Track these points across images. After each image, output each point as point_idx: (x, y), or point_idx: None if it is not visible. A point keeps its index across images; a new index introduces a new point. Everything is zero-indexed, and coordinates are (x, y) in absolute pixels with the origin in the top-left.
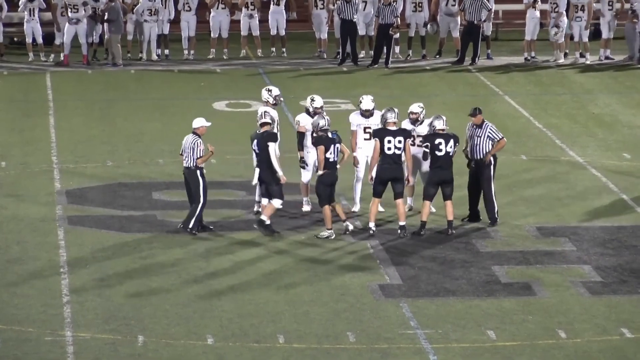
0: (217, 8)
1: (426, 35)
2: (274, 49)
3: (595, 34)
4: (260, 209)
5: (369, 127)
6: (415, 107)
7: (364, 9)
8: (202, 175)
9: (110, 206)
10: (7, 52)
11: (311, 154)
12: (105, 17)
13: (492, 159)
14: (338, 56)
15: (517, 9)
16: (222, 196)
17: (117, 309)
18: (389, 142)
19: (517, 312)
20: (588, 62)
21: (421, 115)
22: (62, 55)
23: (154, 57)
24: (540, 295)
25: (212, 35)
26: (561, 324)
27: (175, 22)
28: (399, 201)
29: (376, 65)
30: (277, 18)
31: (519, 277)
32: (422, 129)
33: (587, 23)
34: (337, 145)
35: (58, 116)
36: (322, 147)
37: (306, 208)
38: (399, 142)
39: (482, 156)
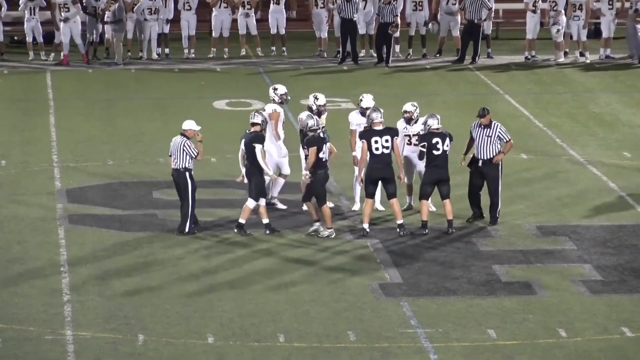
0: (220, 7)
1: (426, 34)
2: (274, 48)
3: (596, 33)
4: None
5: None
6: (409, 106)
7: (364, 8)
8: (190, 177)
9: (111, 205)
10: (7, 51)
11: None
12: (109, 18)
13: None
14: (338, 55)
15: (517, 8)
16: (223, 195)
17: (118, 308)
18: (376, 142)
19: (518, 311)
20: (588, 61)
21: (415, 114)
22: (62, 54)
23: (155, 56)
24: (541, 294)
25: (213, 34)
26: (562, 323)
27: (175, 21)
28: (393, 201)
29: (382, 64)
30: (277, 17)
31: (520, 276)
32: (417, 128)
33: (585, 22)
34: (328, 145)
35: (58, 115)
36: (315, 148)
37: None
38: (386, 141)
39: (491, 156)
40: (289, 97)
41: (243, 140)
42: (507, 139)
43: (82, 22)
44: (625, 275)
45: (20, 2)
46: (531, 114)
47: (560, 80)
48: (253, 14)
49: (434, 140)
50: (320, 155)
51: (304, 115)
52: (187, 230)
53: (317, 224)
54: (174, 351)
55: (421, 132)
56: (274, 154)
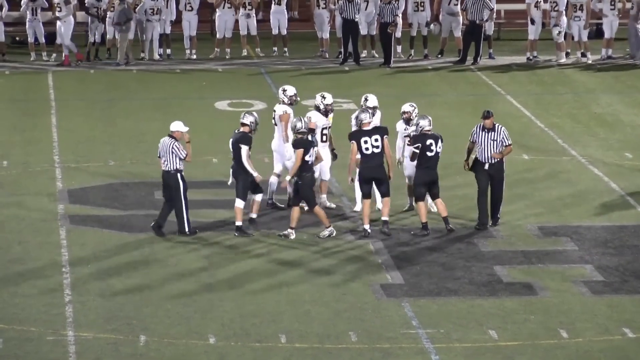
0: (224, 8)
1: (428, 35)
2: (275, 49)
3: (598, 34)
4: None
5: None
6: (407, 106)
7: (366, 9)
8: (182, 178)
9: (112, 206)
10: (9, 51)
11: (323, 150)
12: (117, 19)
13: (503, 159)
14: (340, 56)
15: (519, 9)
16: (224, 196)
17: (119, 309)
18: (366, 142)
19: (519, 311)
20: (589, 62)
21: (413, 114)
22: (63, 55)
23: (156, 56)
24: (542, 294)
25: (217, 35)
26: (563, 324)
27: (176, 22)
28: (385, 199)
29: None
30: (279, 18)
31: (521, 277)
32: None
33: (586, 22)
34: (316, 148)
35: (60, 116)
36: (301, 150)
37: (330, 204)
38: (376, 140)
39: (496, 160)
40: (298, 98)
41: (231, 140)
42: (508, 143)
43: (83, 23)
44: (627, 276)
45: (22, 2)
46: (532, 115)
47: (561, 81)
48: (254, 15)
49: (428, 142)
50: (307, 158)
51: (309, 115)
52: (187, 230)
53: (290, 231)
54: (175, 352)
55: (413, 133)
56: (284, 155)
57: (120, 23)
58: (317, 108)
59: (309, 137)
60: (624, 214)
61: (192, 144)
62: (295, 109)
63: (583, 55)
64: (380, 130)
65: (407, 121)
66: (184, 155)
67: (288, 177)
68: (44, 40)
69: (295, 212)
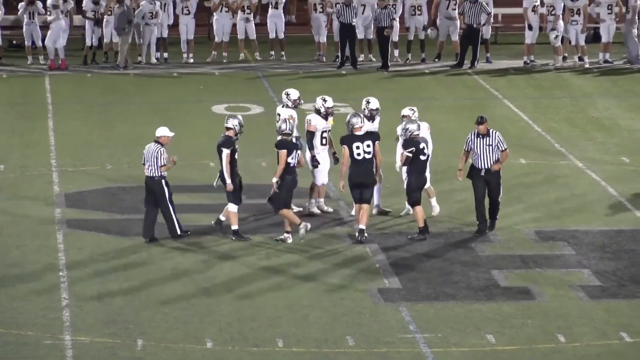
0: (221, 11)
1: (425, 39)
2: (273, 53)
3: (595, 38)
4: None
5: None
6: (406, 110)
7: (363, 13)
8: (166, 184)
9: (110, 210)
10: (5, 55)
11: (321, 155)
12: (119, 22)
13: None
14: (337, 59)
15: (516, 13)
16: (221, 200)
17: (116, 313)
18: (358, 147)
19: (517, 316)
20: (587, 66)
21: (413, 118)
22: (59, 59)
23: (153, 60)
24: (540, 299)
25: (216, 39)
26: (560, 328)
27: (174, 26)
28: (365, 206)
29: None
30: (276, 21)
31: (518, 281)
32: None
33: (583, 26)
34: (299, 151)
35: (57, 119)
36: (284, 151)
37: (317, 210)
38: (368, 146)
39: (492, 165)
40: (302, 101)
41: (217, 144)
42: (504, 148)
43: (80, 26)
44: (624, 281)
45: (19, 6)
46: (530, 119)
47: (559, 85)
48: (252, 19)
49: (421, 146)
50: (289, 160)
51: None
52: (179, 232)
53: (303, 228)
54: (172, 356)
55: (401, 138)
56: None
57: (123, 28)
58: (318, 111)
59: (294, 139)
60: (622, 218)
61: (189, 147)
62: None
63: (580, 59)
64: (373, 136)
65: None
66: (162, 164)
67: (274, 179)
68: (41, 44)
69: (289, 214)
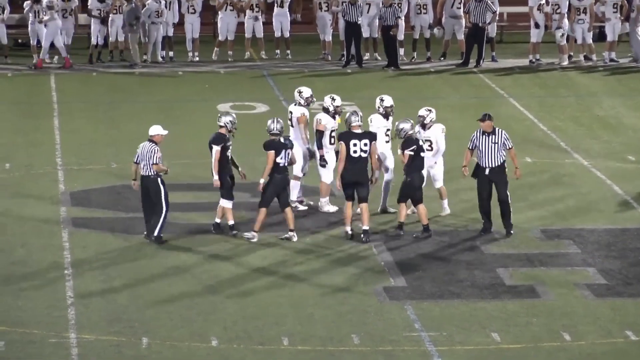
0: (226, 10)
1: (431, 38)
2: (278, 51)
3: (600, 37)
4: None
5: (389, 130)
6: (423, 111)
7: (368, 11)
8: (162, 182)
9: (115, 208)
10: (11, 53)
11: (330, 154)
12: (127, 19)
13: (505, 164)
14: (342, 58)
15: (521, 11)
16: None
17: (121, 311)
18: (355, 145)
19: (522, 314)
20: (592, 64)
21: (427, 119)
22: (62, 58)
23: (159, 59)
24: (545, 297)
25: (220, 37)
26: (565, 327)
27: (179, 24)
28: (363, 205)
29: (392, 67)
30: (282, 20)
31: (524, 280)
32: (429, 134)
33: (589, 25)
34: (289, 151)
35: (62, 118)
36: (272, 152)
37: (328, 208)
38: (365, 145)
39: (498, 164)
40: (315, 99)
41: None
42: (510, 146)
43: (86, 25)
44: (629, 279)
45: (24, 5)
46: (535, 118)
47: (564, 84)
48: (261, 17)
49: (420, 144)
50: (278, 160)
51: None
52: (156, 235)
53: (291, 233)
54: (177, 354)
55: (399, 138)
56: (300, 157)
57: (132, 24)
58: (326, 110)
59: (281, 139)
60: (627, 216)
61: (194, 146)
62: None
63: (586, 58)
64: (371, 135)
65: (423, 125)
66: (155, 162)
67: (261, 180)
68: (62, 44)
69: (289, 213)
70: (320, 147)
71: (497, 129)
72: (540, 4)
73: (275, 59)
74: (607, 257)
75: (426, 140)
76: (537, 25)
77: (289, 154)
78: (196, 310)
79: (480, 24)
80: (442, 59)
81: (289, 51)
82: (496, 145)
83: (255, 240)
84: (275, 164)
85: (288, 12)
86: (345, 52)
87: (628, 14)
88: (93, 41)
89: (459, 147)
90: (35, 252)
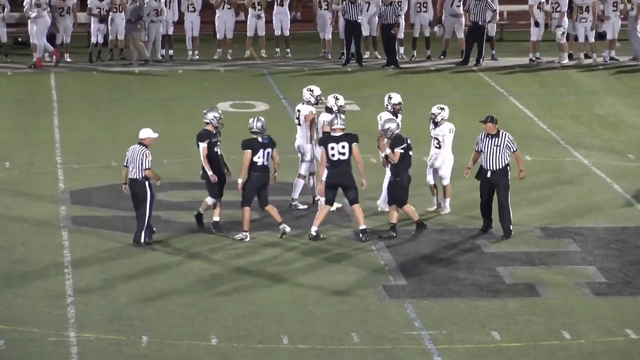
0: (223, 8)
1: (431, 36)
2: (278, 50)
3: (600, 35)
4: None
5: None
6: (435, 109)
7: (367, 10)
8: (150, 186)
9: (115, 207)
10: (11, 52)
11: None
12: (130, 17)
13: (509, 167)
14: (342, 57)
15: (521, 10)
16: (226, 197)
17: (121, 310)
18: (332, 148)
19: (522, 313)
20: (592, 63)
21: (439, 117)
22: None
23: (159, 57)
24: (545, 296)
25: (217, 36)
26: (565, 325)
27: (179, 23)
28: (355, 207)
29: (392, 66)
30: (282, 19)
31: (524, 278)
32: (438, 131)
33: (592, 23)
34: (268, 149)
35: (62, 117)
36: (248, 151)
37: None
38: (343, 147)
39: (500, 167)
40: (323, 98)
41: None
42: (514, 149)
43: (85, 24)
44: (629, 277)
45: (24, 3)
46: (535, 116)
47: (564, 82)
48: (264, 16)
49: (409, 141)
50: (255, 159)
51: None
52: (142, 240)
53: (283, 225)
54: (177, 353)
55: (387, 138)
56: (307, 155)
57: (133, 20)
58: (330, 110)
59: (259, 138)
60: (627, 215)
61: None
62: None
63: (586, 56)
64: (349, 137)
65: (434, 123)
66: (147, 166)
67: (239, 180)
68: (46, 41)
69: (271, 210)
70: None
71: (501, 132)
72: (540, 2)
73: (275, 58)
74: (607, 256)
75: (435, 138)
76: (537, 24)
77: (268, 153)
78: (196, 309)
79: (480, 23)
80: (442, 57)
81: (288, 50)
82: (498, 148)
83: (247, 240)
84: (253, 163)
85: (288, 11)
86: (345, 51)
87: (626, 12)
88: (93, 40)
89: (459, 146)
90: (35, 250)
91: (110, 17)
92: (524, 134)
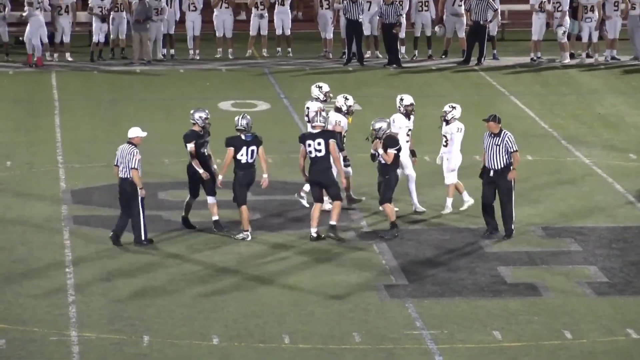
0: (221, 7)
1: (432, 35)
2: (279, 49)
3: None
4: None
5: (411, 130)
6: (446, 107)
7: (369, 9)
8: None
9: (116, 206)
10: (12, 51)
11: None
12: (138, 17)
13: (513, 168)
14: (344, 56)
15: (523, 9)
16: (227, 196)
17: (122, 309)
18: (309, 145)
19: (523, 312)
20: (594, 62)
21: (448, 115)
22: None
23: (160, 56)
24: (546, 295)
25: (217, 34)
26: (567, 325)
27: (180, 22)
28: (335, 203)
29: (394, 65)
30: (283, 18)
31: (525, 278)
32: (449, 130)
33: (597, 23)
34: (252, 147)
35: (63, 116)
36: (231, 149)
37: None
38: (319, 144)
39: (500, 167)
40: (332, 95)
41: None
42: (513, 149)
43: (86, 23)
44: (631, 277)
45: (25, 2)
46: (537, 115)
47: (565, 82)
48: (267, 15)
49: (401, 143)
50: (239, 157)
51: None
52: (144, 239)
53: (244, 234)
54: (178, 352)
55: (378, 138)
56: None
57: (140, 21)
58: (339, 109)
59: (243, 136)
60: (628, 214)
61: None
62: (299, 110)
63: (588, 56)
64: (325, 134)
65: (445, 121)
66: (134, 166)
67: (220, 177)
68: (47, 41)
69: (244, 212)
70: (342, 148)
71: (503, 131)
72: (541, 1)
73: (276, 57)
74: (608, 255)
75: (443, 136)
76: (541, 10)
77: (252, 151)
78: (197, 309)
79: (481, 22)
80: (444, 56)
81: (290, 49)
82: (498, 147)
83: (249, 239)
84: (237, 161)
85: (289, 10)
86: (346, 50)
87: (627, 11)
88: (94, 39)
89: (461, 146)
90: (36, 250)
91: (111, 16)
92: (525, 133)
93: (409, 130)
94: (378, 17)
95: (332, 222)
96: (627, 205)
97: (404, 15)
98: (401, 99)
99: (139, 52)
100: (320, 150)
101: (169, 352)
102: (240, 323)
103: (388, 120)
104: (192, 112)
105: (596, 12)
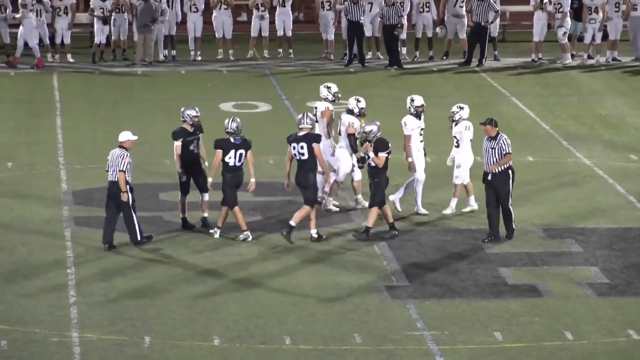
0: (220, 9)
1: (433, 36)
2: (280, 50)
3: (602, 36)
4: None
5: (423, 129)
6: (454, 107)
7: (370, 10)
8: (130, 189)
9: None
10: (13, 52)
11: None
12: (144, 19)
13: (511, 172)
14: (345, 57)
15: (524, 10)
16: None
17: (123, 310)
18: (294, 148)
19: (524, 313)
20: (595, 63)
21: (456, 115)
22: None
23: (161, 57)
24: (547, 296)
25: (216, 35)
26: (567, 326)
27: (181, 23)
28: (304, 207)
29: (395, 67)
30: (284, 19)
31: (526, 279)
32: (457, 130)
33: (601, 25)
34: (241, 151)
35: (64, 117)
36: (219, 151)
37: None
38: (302, 147)
39: (497, 170)
40: (340, 95)
41: None
42: (506, 152)
43: (88, 24)
44: (632, 278)
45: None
46: (537, 116)
47: (566, 83)
48: (267, 16)
49: (390, 146)
50: (227, 159)
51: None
52: (139, 239)
53: (214, 230)
54: (179, 353)
55: (368, 141)
56: (326, 152)
57: (145, 24)
58: (351, 111)
59: (231, 139)
60: (629, 216)
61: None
62: (299, 111)
63: (589, 57)
64: (308, 138)
65: (454, 121)
66: (122, 168)
67: (209, 179)
68: (48, 42)
69: (237, 213)
70: (355, 150)
71: (499, 135)
72: (543, 2)
73: (277, 58)
74: (609, 256)
75: (454, 137)
76: (542, 9)
77: (240, 154)
78: (198, 310)
79: (482, 23)
80: (445, 58)
81: (291, 50)
82: (494, 150)
83: (250, 239)
84: (225, 163)
85: (290, 11)
86: (347, 51)
87: (627, 12)
88: (96, 40)
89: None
90: (37, 251)
91: (112, 17)
92: (526, 134)
93: (421, 129)
94: (379, 19)
95: (292, 223)
96: (628, 206)
97: (405, 17)
98: (412, 100)
99: (142, 53)
100: (303, 154)
101: (170, 353)
102: (241, 324)
103: (378, 123)
104: (182, 109)
105: (600, 14)
